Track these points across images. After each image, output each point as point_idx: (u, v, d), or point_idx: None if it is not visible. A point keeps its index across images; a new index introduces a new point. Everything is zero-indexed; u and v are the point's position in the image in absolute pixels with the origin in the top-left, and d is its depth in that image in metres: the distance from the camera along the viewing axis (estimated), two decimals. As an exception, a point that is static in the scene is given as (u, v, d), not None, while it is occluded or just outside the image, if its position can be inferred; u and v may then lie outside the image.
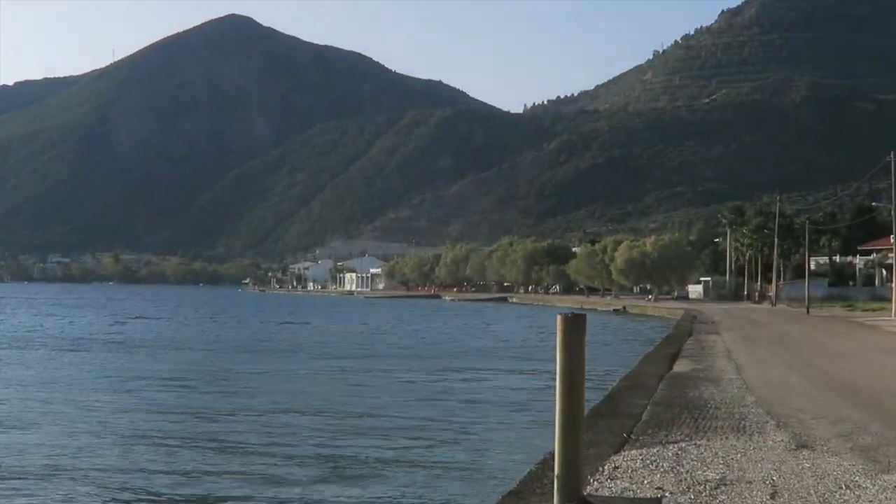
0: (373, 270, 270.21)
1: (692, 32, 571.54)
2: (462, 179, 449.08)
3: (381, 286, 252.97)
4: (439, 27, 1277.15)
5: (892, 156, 66.73)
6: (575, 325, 8.47)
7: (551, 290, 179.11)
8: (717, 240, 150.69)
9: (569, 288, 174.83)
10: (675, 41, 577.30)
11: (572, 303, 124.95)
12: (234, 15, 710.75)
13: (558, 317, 8.59)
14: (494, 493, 12.27)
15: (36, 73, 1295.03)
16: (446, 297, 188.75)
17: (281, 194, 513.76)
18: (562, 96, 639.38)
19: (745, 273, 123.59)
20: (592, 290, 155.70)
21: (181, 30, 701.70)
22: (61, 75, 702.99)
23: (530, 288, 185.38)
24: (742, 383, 20.41)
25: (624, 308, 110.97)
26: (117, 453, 18.80)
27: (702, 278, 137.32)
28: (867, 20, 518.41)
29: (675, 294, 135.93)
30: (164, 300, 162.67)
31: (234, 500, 14.90)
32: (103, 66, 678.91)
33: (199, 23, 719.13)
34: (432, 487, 15.44)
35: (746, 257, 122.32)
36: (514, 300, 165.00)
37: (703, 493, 9.51)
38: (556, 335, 8.49)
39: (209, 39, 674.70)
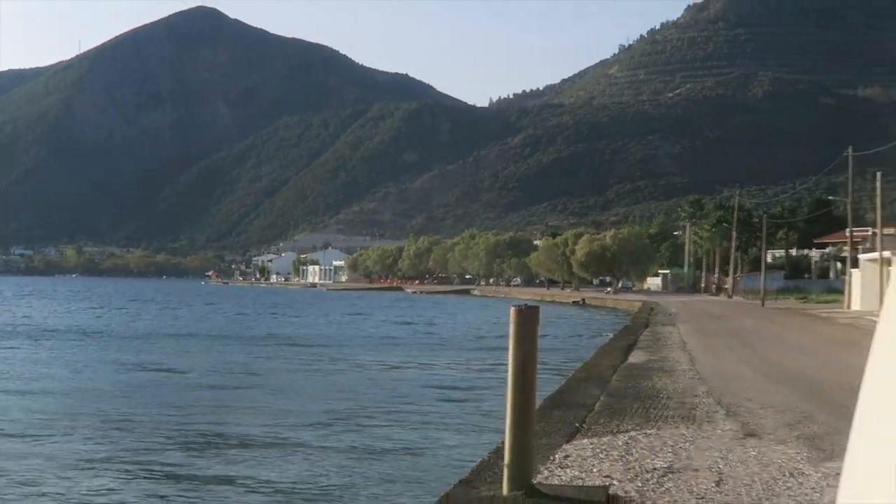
0: (336, 263, 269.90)
1: (658, 27, 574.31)
2: (427, 173, 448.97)
3: (343, 278, 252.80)
4: (406, 20, 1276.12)
5: (849, 151, 67.46)
6: (528, 317, 8.57)
7: (512, 283, 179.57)
8: (676, 233, 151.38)
9: (530, 280, 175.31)
10: (641, 35, 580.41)
11: (533, 295, 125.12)
12: (201, 7, 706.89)
13: (511, 309, 8.68)
14: (443, 480, 12.33)
15: (1, 65, 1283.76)
16: (408, 290, 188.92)
17: (245, 187, 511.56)
18: (527, 90, 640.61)
19: (704, 266, 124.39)
20: (553, 283, 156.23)
21: (148, 21, 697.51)
22: (26, 67, 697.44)
23: (492, 280, 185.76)
24: (695, 374, 20.47)
25: (583, 300, 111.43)
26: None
27: (661, 271, 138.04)
28: (831, 16, 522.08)
29: (620, 285, 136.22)
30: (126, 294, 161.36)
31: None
32: (69, 57, 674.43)
33: (165, 14, 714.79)
34: (383, 474, 15.55)
35: (705, 250, 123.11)
36: (476, 292, 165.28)
37: (651, 481, 9.59)
38: (509, 327, 8.59)
39: (175, 31, 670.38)
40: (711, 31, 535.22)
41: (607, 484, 9.36)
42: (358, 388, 27.94)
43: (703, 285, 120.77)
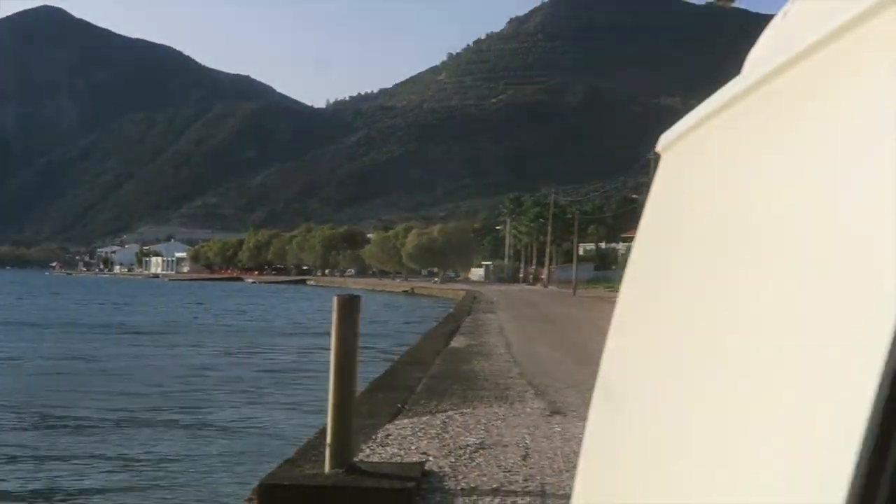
0: (178, 254, 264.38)
1: (483, 37, 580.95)
2: (267, 169, 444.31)
3: (186, 269, 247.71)
4: (248, 23, 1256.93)
5: (651, 154, 69.90)
6: (349, 306, 8.52)
7: (346, 274, 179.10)
8: (498, 227, 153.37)
9: (363, 271, 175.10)
10: (468, 45, 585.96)
11: (366, 285, 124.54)
12: (46, 6, 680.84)
13: (335, 299, 8.61)
14: (273, 457, 12.18)
15: None
16: (248, 280, 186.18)
17: (91, 181, 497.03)
18: (362, 93, 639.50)
19: (523, 258, 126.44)
20: (384, 273, 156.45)
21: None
22: None
23: (327, 271, 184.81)
24: (510, 357, 20.64)
25: (412, 290, 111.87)
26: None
27: (484, 262, 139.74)
28: (640, 32, 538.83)
29: (442, 276, 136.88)
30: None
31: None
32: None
33: (10, 13, 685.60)
34: (214, 454, 15.31)
35: (523, 244, 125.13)
36: (312, 282, 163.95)
37: (463, 457, 9.66)
38: (332, 315, 8.52)
39: (21, 29, 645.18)
40: (531, 42, 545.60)
41: (423, 460, 9.40)
42: (195, 372, 27.40)
43: (521, 276, 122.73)
